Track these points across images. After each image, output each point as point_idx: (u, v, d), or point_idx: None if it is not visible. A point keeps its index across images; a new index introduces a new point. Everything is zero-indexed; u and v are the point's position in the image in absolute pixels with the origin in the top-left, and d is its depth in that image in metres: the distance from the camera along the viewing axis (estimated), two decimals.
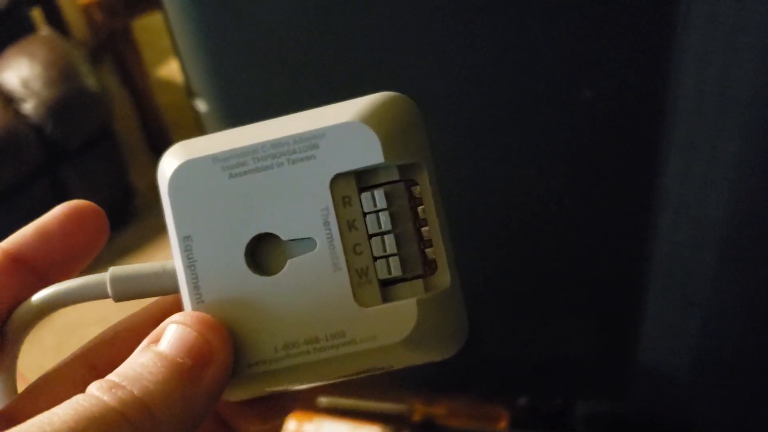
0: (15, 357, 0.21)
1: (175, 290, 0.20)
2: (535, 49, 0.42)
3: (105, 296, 0.21)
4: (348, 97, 0.21)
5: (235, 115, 0.48)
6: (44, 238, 0.21)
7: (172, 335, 0.18)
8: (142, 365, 0.17)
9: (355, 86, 0.44)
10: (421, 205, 0.20)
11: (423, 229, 0.20)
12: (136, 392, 0.17)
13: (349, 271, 0.19)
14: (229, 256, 0.20)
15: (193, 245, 0.20)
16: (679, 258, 0.48)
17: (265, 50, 0.44)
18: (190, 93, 0.51)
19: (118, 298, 0.21)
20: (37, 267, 0.21)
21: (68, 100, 1.22)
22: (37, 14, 1.46)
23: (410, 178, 0.20)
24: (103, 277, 0.21)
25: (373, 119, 0.20)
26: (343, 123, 0.20)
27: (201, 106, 0.49)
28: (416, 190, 0.20)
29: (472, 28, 0.42)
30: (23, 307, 0.21)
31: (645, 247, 0.48)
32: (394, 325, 0.19)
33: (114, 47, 1.40)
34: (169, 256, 0.21)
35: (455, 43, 0.43)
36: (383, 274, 0.19)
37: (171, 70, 1.63)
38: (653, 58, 0.41)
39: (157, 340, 0.18)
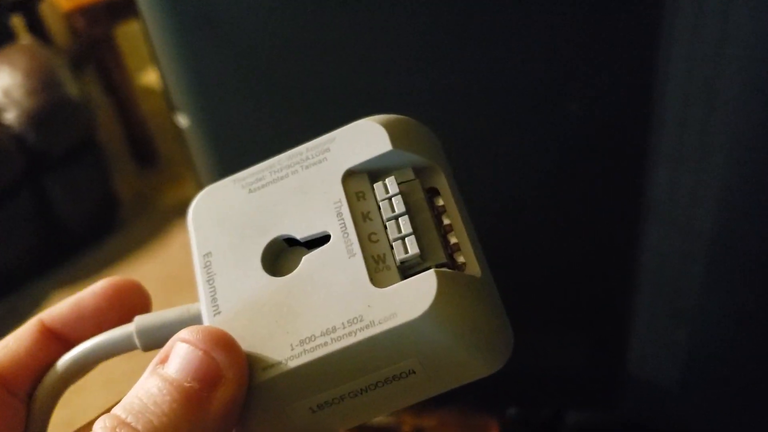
0: (44, 428, 0.21)
1: None
2: (521, 63, 0.42)
3: (133, 348, 0.21)
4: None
5: (217, 131, 0.48)
6: (79, 312, 0.21)
7: (177, 356, 0.17)
8: (148, 394, 0.17)
9: (337, 101, 0.44)
10: (445, 212, 0.19)
11: (449, 234, 0.19)
12: (141, 429, 0.16)
13: (364, 255, 0.18)
14: (246, 263, 0.19)
15: (212, 260, 0.20)
16: (667, 269, 0.47)
17: (246, 66, 0.44)
18: (170, 107, 0.50)
19: (147, 348, 0.20)
20: (69, 341, 0.21)
21: (50, 110, 1.21)
22: (17, 22, 1.44)
23: (431, 186, 0.20)
24: (129, 329, 0.20)
25: (380, 119, 0.20)
26: (352, 124, 0.20)
27: (182, 121, 0.48)
28: (438, 200, 0.20)
29: (457, 44, 0.41)
30: (50, 373, 0.21)
31: (634, 258, 0.48)
32: (413, 299, 0.17)
33: (96, 55, 1.39)
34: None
35: (440, 58, 0.42)
36: (400, 254, 0.18)
37: (154, 77, 1.62)
38: (639, 70, 0.40)
39: (165, 360, 0.18)
